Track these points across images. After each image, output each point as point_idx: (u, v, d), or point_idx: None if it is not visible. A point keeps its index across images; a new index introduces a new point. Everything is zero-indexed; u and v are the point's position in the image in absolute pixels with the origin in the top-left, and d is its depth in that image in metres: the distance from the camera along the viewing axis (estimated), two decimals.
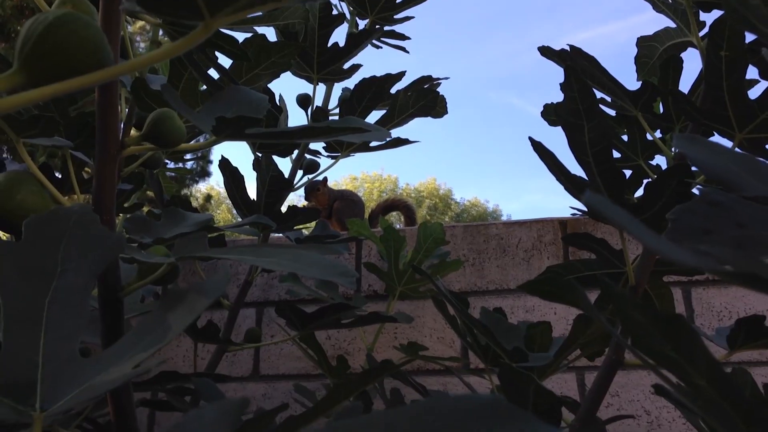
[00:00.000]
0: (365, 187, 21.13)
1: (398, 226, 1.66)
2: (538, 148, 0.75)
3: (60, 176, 1.12)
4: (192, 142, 1.34)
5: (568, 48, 0.87)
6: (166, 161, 1.48)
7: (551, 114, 1.05)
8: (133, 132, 0.84)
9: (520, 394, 0.56)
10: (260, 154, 1.17)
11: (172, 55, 0.25)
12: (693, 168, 0.71)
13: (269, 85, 1.32)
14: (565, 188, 0.78)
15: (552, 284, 0.33)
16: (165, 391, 0.86)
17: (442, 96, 1.45)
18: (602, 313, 0.88)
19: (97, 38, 0.26)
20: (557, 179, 0.77)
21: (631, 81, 1.11)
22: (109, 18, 0.48)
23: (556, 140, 0.80)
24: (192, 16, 0.25)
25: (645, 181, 0.93)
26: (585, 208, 0.78)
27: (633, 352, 0.33)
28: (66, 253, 0.40)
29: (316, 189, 1.90)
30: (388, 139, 1.37)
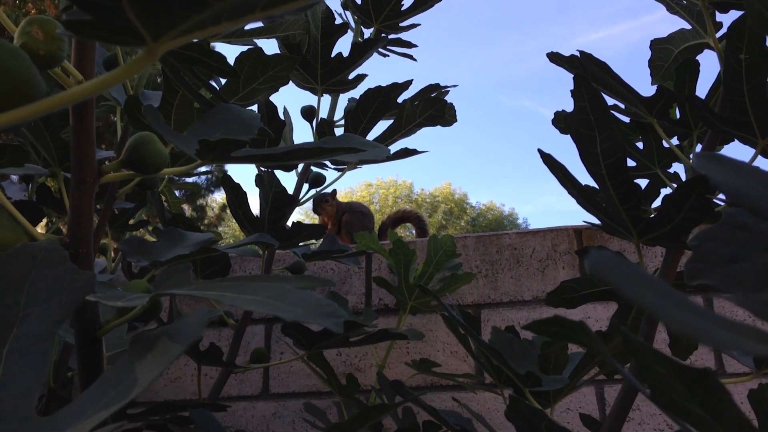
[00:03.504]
0: (380, 193, 21.09)
1: (412, 232, 1.62)
2: (548, 160, 0.71)
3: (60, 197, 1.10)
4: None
5: (578, 54, 0.83)
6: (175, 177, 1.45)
7: (562, 122, 1.01)
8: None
9: (531, 429, 0.52)
10: (264, 169, 1.14)
11: (112, 84, 0.22)
12: None
13: (273, 97, 1.30)
14: (578, 202, 0.74)
15: (561, 325, 0.30)
16: (165, 419, 0.83)
17: (451, 104, 1.41)
18: (622, 326, 0.83)
19: (24, 70, 0.23)
20: (569, 193, 0.73)
21: (645, 81, 1.06)
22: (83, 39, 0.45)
23: (570, 144, 0.76)
24: (134, 42, 0.22)
25: (663, 192, 0.89)
26: (598, 222, 0.74)
27: (654, 403, 0.30)
28: (30, 295, 0.37)
29: (324, 201, 1.87)
30: (395, 149, 1.33)
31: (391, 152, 1.35)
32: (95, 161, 0.46)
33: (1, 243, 0.44)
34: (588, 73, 0.82)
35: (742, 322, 0.20)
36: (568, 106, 1.24)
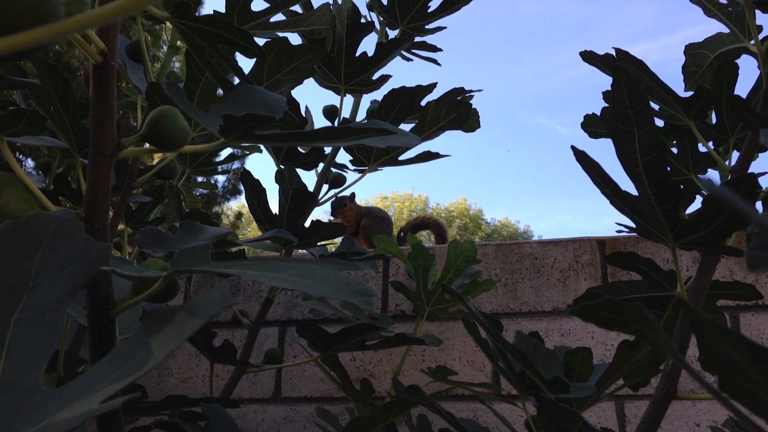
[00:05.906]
0: (395, 206, 21.07)
1: (429, 245, 1.60)
2: (582, 158, 0.69)
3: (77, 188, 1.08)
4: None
5: (613, 52, 0.80)
6: (193, 176, 1.43)
7: (592, 125, 0.98)
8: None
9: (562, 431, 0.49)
10: (283, 167, 1.12)
11: (118, 14, 0.19)
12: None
13: (295, 96, 1.28)
14: (611, 202, 0.71)
15: (613, 309, 0.27)
16: (176, 415, 0.81)
17: (475, 109, 1.39)
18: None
19: None
20: (602, 192, 0.70)
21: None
22: None
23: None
24: None
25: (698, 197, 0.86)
26: (633, 225, 0.71)
27: (714, 394, 0.27)
28: (41, 265, 0.35)
29: (342, 204, 1.85)
30: (417, 152, 1.31)
31: (414, 155, 1.33)
32: (114, 133, 0.44)
33: (15, 213, 0.42)
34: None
35: None
36: None
